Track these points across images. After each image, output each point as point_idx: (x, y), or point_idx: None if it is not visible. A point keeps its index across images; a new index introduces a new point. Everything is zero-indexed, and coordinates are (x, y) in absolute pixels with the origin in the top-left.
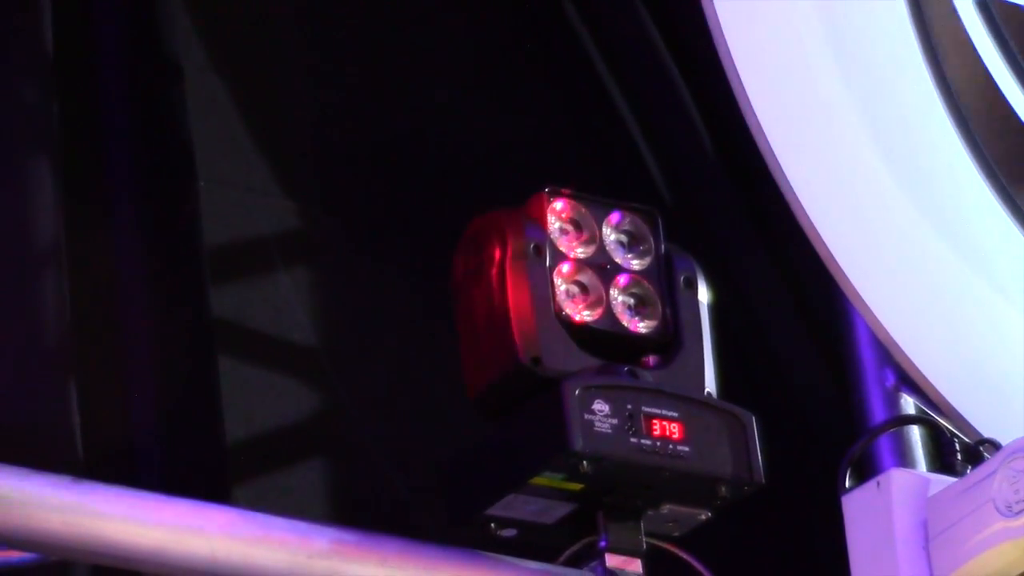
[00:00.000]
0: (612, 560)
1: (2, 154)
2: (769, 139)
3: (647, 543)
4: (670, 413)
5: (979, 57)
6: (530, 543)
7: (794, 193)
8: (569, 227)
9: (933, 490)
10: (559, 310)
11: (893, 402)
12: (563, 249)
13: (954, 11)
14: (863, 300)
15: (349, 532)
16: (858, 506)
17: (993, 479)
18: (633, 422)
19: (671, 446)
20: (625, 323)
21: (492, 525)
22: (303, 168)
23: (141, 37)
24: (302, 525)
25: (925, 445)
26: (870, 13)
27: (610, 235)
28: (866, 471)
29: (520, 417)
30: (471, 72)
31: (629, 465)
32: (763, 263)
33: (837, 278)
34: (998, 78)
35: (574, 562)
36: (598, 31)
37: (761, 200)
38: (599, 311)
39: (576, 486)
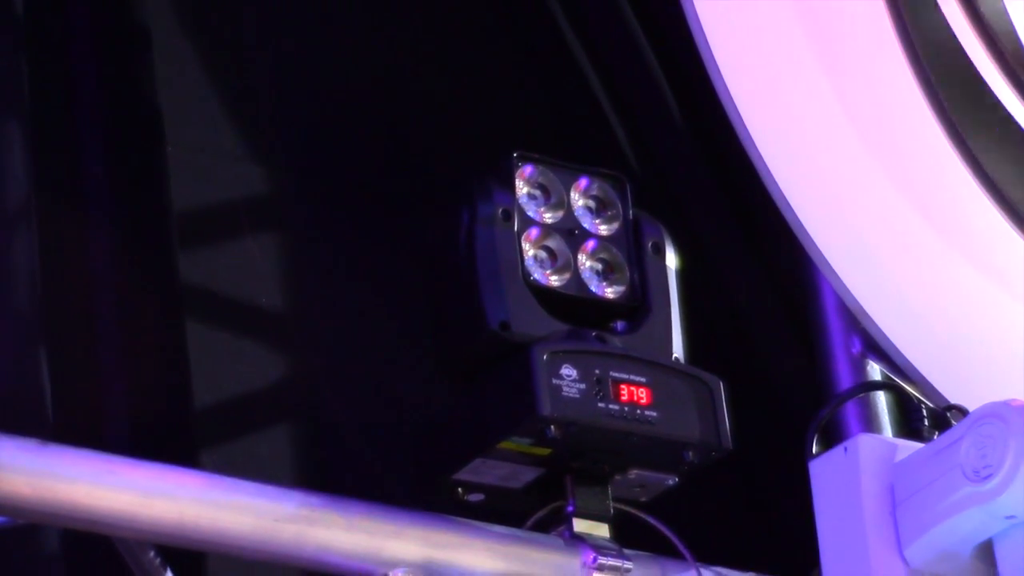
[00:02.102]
0: (579, 525)
1: None
2: (737, 105)
3: (614, 508)
4: (638, 378)
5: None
6: (497, 508)
7: (762, 159)
8: (537, 192)
9: (900, 455)
10: (527, 275)
11: (860, 369)
12: (531, 214)
13: None
14: (830, 266)
15: (316, 496)
16: (825, 471)
17: (960, 445)
18: (601, 387)
19: (639, 411)
20: (593, 288)
21: (459, 490)
22: (272, 133)
23: (111, 1)
24: (269, 489)
25: (891, 412)
26: None
27: (578, 200)
28: (833, 437)
29: (488, 382)
30: (440, 39)
31: (597, 430)
32: (730, 229)
33: (805, 244)
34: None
35: (541, 527)
36: None
37: (729, 166)
38: (567, 276)
39: (544, 451)
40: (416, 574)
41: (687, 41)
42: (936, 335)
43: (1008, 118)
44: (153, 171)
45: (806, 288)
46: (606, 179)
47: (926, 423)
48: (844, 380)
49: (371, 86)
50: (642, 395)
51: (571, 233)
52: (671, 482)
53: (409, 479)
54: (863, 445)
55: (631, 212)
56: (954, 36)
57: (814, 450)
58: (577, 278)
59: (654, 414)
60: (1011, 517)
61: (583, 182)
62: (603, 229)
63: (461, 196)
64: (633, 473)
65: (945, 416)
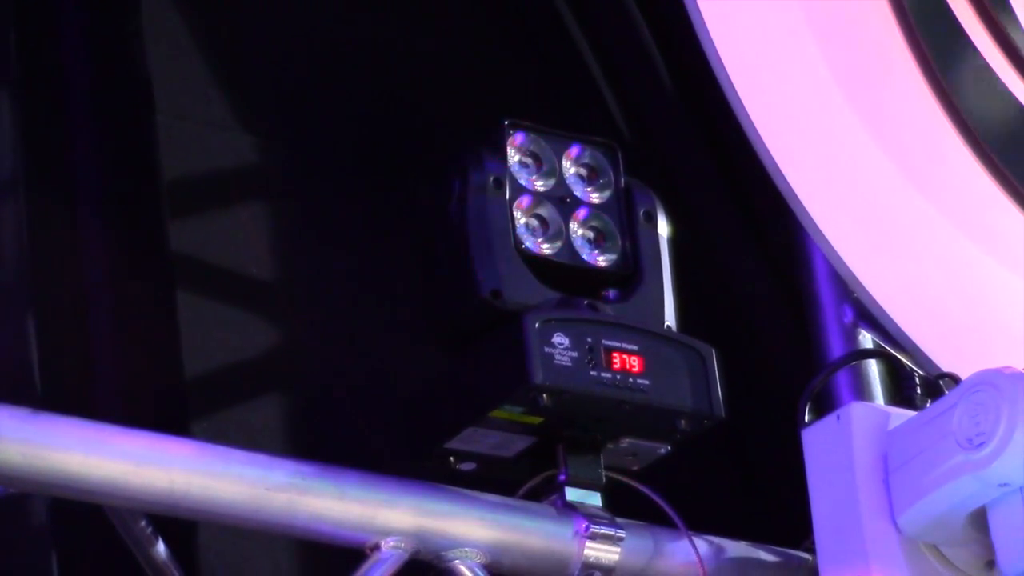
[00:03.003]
0: (572, 493)
1: None
2: (729, 72)
3: (607, 476)
4: (630, 346)
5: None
6: (490, 476)
7: (754, 127)
8: (529, 160)
9: (893, 423)
10: (519, 243)
11: (851, 338)
12: (523, 182)
13: None
14: (823, 234)
15: (307, 465)
16: (818, 440)
17: (953, 412)
18: (593, 355)
19: (631, 379)
20: (585, 256)
21: (451, 458)
22: (262, 102)
23: None
24: (261, 457)
25: (883, 381)
26: None
27: (570, 168)
28: (825, 406)
29: (480, 350)
30: (431, 8)
31: (589, 398)
32: (722, 197)
33: (797, 212)
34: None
35: (534, 495)
36: None
37: (720, 134)
38: (559, 244)
39: (536, 419)
40: (408, 543)
41: (678, 7)
42: (928, 303)
43: (1003, 88)
44: (143, 141)
45: (798, 256)
46: (598, 147)
47: (919, 391)
48: (836, 349)
49: (361, 55)
50: (634, 363)
51: (563, 201)
52: (663, 451)
53: (401, 448)
54: (856, 413)
55: (623, 180)
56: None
57: (806, 418)
58: (569, 246)
59: (646, 382)
60: (1004, 484)
61: (574, 150)
62: (595, 197)
63: (452, 165)
64: (625, 442)
65: (938, 384)
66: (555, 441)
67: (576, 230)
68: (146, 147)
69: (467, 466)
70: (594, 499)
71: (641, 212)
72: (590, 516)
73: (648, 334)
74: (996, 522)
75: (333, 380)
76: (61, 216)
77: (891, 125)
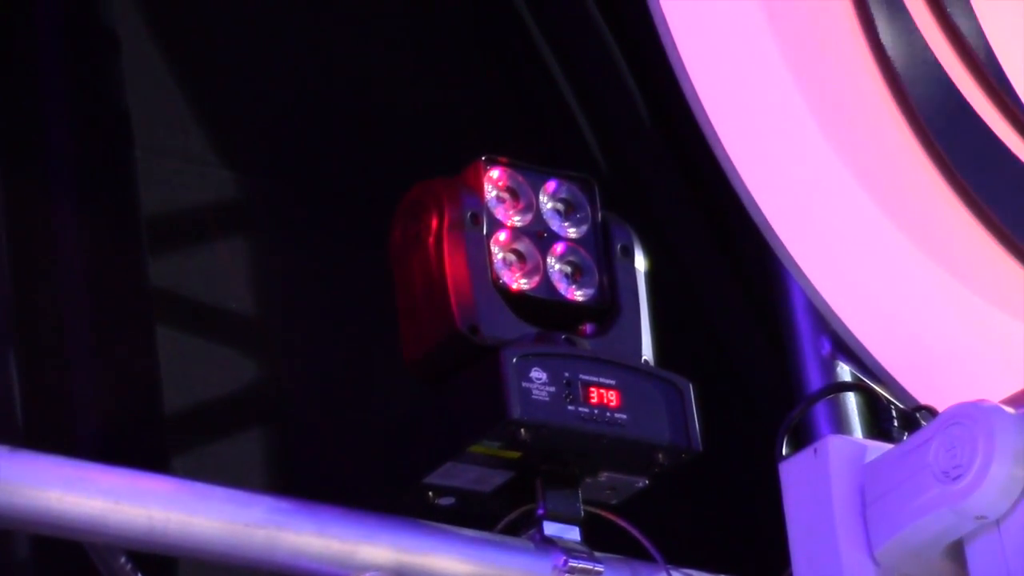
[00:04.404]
0: (550, 528)
1: None
2: (705, 107)
3: (585, 511)
4: (607, 381)
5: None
6: (468, 511)
7: (730, 160)
8: (506, 195)
9: (870, 456)
10: (496, 278)
11: (829, 370)
12: (500, 217)
13: None
14: (799, 268)
15: (287, 501)
16: (795, 473)
17: (930, 445)
18: (571, 390)
19: (609, 413)
20: (562, 291)
21: (430, 493)
22: (240, 137)
23: (79, 5)
24: (240, 494)
25: (861, 413)
26: None
27: (547, 203)
28: (803, 439)
29: (458, 385)
30: (408, 40)
31: (567, 433)
32: (700, 231)
33: (774, 246)
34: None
35: (512, 530)
36: None
37: (697, 168)
38: (536, 279)
39: (514, 454)
40: None
41: (655, 42)
42: (905, 336)
43: (978, 118)
44: (122, 175)
45: (775, 290)
46: (574, 181)
47: (895, 424)
48: (814, 381)
49: (339, 89)
50: (612, 397)
51: (540, 236)
52: (641, 484)
53: (379, 483)
54: (833, 446)
55: (600, 214)
56: (922, 36)
57: (784, 452)
58: (546, 281)
59: (624, 416)
60: (981, 517)
61: (551, 185)
62: (572, 232)
63: (430, 199)
64: (603, 475)
65: (915, 417)
66: (533, 475)
67: (553, 265)
68: (125, 182)
69: (446, 501)
70: (572, 533)
71: (618, 246)
72: (568, 550)
73: (626, 368)
74: (973, 555)
75: (312, 415)
76: (41, 250)
77: (868, 159)
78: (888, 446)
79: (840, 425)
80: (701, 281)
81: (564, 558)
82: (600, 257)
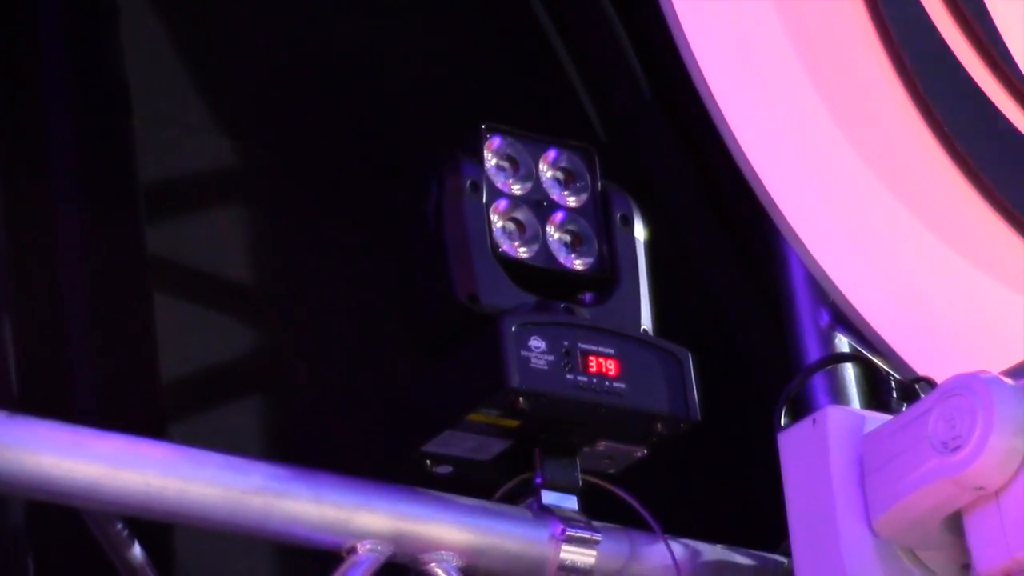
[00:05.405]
0: (548, 497)
1: None
2: (706, 75)
3: (583, 480)
4: (606, 350)
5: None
6: (466, 480)
7: (731, 132)
8: (506, 164)
9: (868, 427)
10: (496, 247)
11: (828, 341)
12: (499, 186)
13: None
14: (799, 238)
15: (284, 468)
16: (794, 443)
17: (929, 416)
18: (569, 359)
19: (607, 383)
20: (561, 260)
21: (428, 462)
22: (239, 106)
23: None
24: (237, 461)
25: (859, 384)
26: None
27: (546, 172)
28: (801, 409)
29: (456, 354)
30: (408, 10)
31: (565, 402)
32: (699, 201)
33: (773, 216)
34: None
35: (510, 499)
36: None
37: (698, 138)
38: (535, 248)
39: (512, 423)
40: (384, 546)
41: (656, 12)
42: (904, 307)
43: (978, 90)
44: (120, 144)
45: (774, 260)
46: (574, 151)
47: (894, 395)
48: (812, 352)
49: (339, 58)
50: (610, 367)
51: (539, 205)
52: (640, 454)
53: (377, 451)
54: (831, 417)
55: (599, 184)
56: (923, 9)
57: (783, 422)
58: (545, 250)
59: (623, 386)
60: (980, 488)
61: (551, 154)
62: (571, 201)
63: (430, 168)
64: (602, 445)
65: (913, 388)
66: (531, 444)
67: (553, 234)
68: (123, 150)
69: (443, 469)
70: (570, 502)
71: (618, 216)
72: (566, 519)
73: (625, 338)
74: (972, 526)
75: (310, 383)
76: (38, 219)
77: (868, 129)
78: (887, 417)
79: (838, 396)
80: (700, 252)
81: (562, 527)
82: (599, 226)
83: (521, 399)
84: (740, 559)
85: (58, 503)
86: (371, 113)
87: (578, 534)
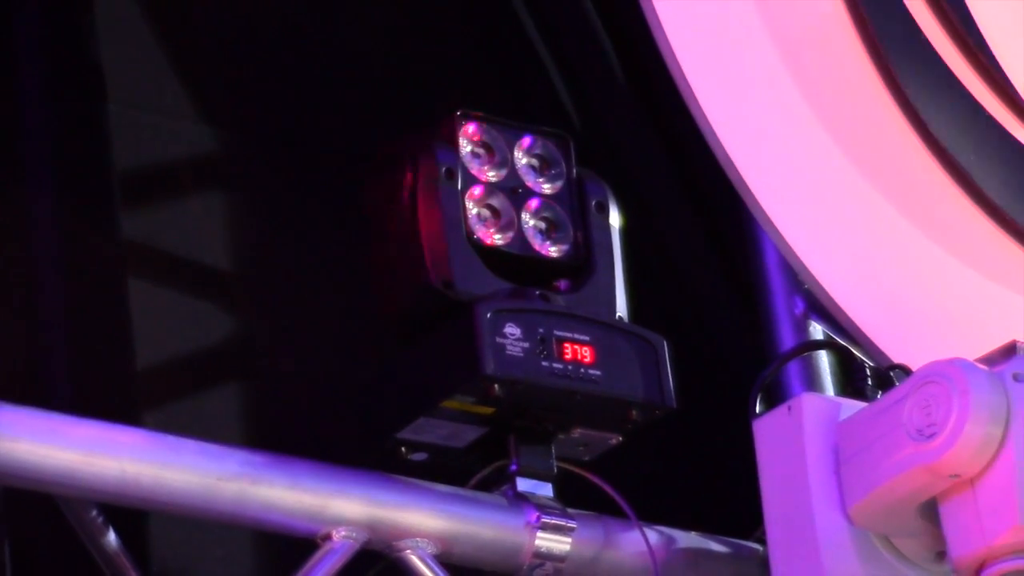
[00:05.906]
0: (523, 484)
1: None
2: (681, 63)
3: (558, 467)
4: (582, 337)
5: None
6: (441, 467)
7: (705, 117)
8: (481, 150)
9: (844, 414)
10: (470, 233)
11: (802, 329)
12: (474, 172)
13: None
14: (773, 225)
15: (259, 454)
16: (769, 430)
17: (904, 404)
18: (545, 346)
19: (583, 370)
20: (536, 247)
21: (403, 449)
22: (214, 91)
23: None
24: (212, 447)
25: (834, 372)
26: None
27: (521, 159)
28: (776, 397)
29: (431, 341)
30: None
31: (541, 388)
32: (674, 188)
33: (748, 203)
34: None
35: (485, 486)
36: None
37: (672, 125)
38: (510, 235)
39: (487, 410)
40: (359, 533)
41: None
42: (879, 294)
43: (954, 79)
44: (95, 129)
45: (749, 247)
46: (550, 137)
47: (869, 382)
48: (787, 340)
49: (314, 44)
50: (586, 354)
51: (515, 191)
52: (615, 441)
53: (352, 438)
54: (807, 404)
55: (575, 171)
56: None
57: (758, 409)
58: (521, 236)
59: (598, 373)
60: (955, 475)
61: (527, 140)
62: (547, 187)
63: (405, 154)
64: (577, 432)
65: (888, 375)
66: (506, 431)
67: (528, 220)
68: (98, 135)
69: (418, 456)
70: (545, 489)
71: (593, 203)
72: (541, 506)
73: (600, 324)
74: (947, 513)
75: (285, 370)
76: (12, 204)
77: (842, 116)
78: (862, 404)
79: (813, 384)
80: (674, 239)
81: (537, 514)
82: (575, 213)
83: (496, 386)
84: (715, 546)
85: (33, 489)
86: (347, 99)
87: (553, 521)
